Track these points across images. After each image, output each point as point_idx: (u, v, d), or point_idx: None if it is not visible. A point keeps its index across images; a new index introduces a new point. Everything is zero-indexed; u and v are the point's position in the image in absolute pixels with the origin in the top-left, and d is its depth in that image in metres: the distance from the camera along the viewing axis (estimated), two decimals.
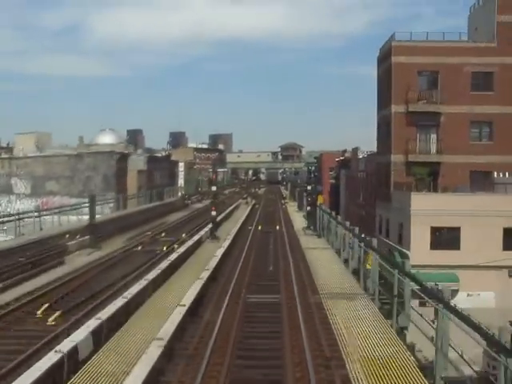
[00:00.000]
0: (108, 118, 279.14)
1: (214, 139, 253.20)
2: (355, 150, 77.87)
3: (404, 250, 46.59)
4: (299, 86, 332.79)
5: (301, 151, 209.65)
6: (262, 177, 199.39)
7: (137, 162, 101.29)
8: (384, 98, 59.88)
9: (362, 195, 72.34)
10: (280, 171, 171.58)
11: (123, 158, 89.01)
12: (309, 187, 53.20)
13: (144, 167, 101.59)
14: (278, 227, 45.36)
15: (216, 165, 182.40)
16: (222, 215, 51.01)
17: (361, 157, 74.55)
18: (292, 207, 68.42)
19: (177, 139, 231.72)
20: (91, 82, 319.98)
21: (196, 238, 34.89)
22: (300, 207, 62.41)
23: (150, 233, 39.47)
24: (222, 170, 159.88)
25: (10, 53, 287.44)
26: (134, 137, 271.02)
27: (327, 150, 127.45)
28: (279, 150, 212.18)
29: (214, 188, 47.73)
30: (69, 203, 73.78)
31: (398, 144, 56.02)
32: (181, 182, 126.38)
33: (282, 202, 77.34)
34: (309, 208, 45.84)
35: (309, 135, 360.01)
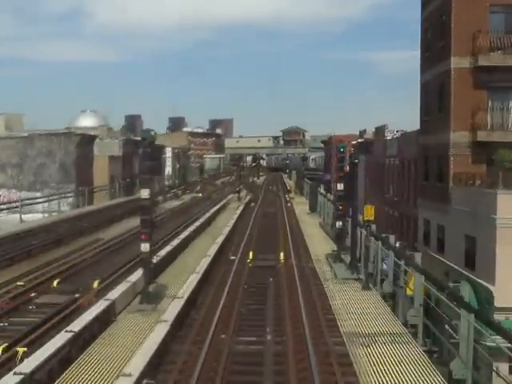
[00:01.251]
0: (106, 104, 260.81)
1: (214, 125, 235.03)
2: (381, 130, 58.01)
3: (482, 282, 27.67)
4: (301, 71, 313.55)
5: (304, 135, 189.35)
6: (263, 163, 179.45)
7: (109, 147, 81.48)
8: (435, 51, 39.95)
9: (393, 189, 52.72)
10: (282, 157, 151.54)
11: (87, 141, 69.04)
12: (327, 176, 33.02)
13: (119, 153, 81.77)
14: (283, 255, 25.40)
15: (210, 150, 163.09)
16: (193, 227, 31.14)
17: (390, 137, 54.82)
18: (300, 206, 48.68)
19: (176, 124, 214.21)
20: (91, 68, 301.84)
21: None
22: (312, 208, 42.63)
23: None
24: (216, 155, 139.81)
25: (10, 38, 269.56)
26: (133, 122, 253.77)
27: (333, 133, 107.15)
28: (281, 134, 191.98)
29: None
30: (18, 198, 56.50)
31: (460, 116, 36.27)
32: (168, 170, 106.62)
33: (286, 197, 57.53)
34: (339, 225, 25.82)
35: (312, 120, 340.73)
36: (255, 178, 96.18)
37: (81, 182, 63.49)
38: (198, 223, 31.52)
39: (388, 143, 54.50)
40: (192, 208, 44.62)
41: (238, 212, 39.59)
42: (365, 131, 69.13)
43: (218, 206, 43.31)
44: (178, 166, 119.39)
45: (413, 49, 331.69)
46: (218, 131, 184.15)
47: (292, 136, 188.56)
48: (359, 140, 69.04)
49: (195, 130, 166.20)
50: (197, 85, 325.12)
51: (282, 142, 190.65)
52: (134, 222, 36.94)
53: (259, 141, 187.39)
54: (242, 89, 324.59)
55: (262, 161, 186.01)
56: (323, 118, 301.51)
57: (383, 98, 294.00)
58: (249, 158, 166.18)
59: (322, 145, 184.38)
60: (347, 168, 40.93)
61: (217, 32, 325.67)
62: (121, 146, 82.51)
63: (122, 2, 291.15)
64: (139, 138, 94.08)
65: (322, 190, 60.20)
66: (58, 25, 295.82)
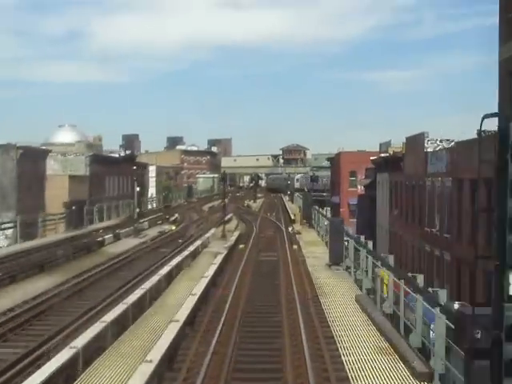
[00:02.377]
0: (105, 124, 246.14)
1: (213, 144, 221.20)
2: (417, 140, 41.32)
3: None
4: (301, 91, 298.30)
5: (305, 154, 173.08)
6: (262, 183, 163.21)
7: (72, 165, 65.26)
8: None
9: (441, 221, 36.22)
10: (283, 176, 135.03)
11: (34, 155, 52.68)
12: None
13: (85, 172, 65.41)
14: None
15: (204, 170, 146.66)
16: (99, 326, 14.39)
17: (432, 149, 38.36)
18: (312, 249, 32.12)
19: (174, 144, 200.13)
20: (90, 88, 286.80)
21: None
22: (335, 257, 25.94)
23: None
24: (210, 175, 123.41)
25: (10, 59, 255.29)
26: (131, 141, 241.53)
27: (341, 149, 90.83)
28: (281, 153, 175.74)
29: None
30: None
31: None
32: (152, 191, 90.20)
33: (290, 230, 41.03)
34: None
35: (313, 139, 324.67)
36: (251, 202, 79.60)
37: (25, 209, 47.31)
38: (116, 311, 15.04)
39: (431, 157, 38.10)
40: (141, 259, 28.29)
41: (214, 267, 22.99)
42: (389, 143, 52.74)
43: (186, 253, 26.76)
44: (164, 185, 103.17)
45: (413, 69, 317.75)
46: (213, 149, 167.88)
47: (292, 154, 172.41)
48: (382, 155, 52.64)
49: (189, 148, 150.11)
50: (196, 104, 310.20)
51: (281, 160, 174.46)
52: (44, 283, 20.79)
53: (258, 160, 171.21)
54: (242, 109, 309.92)
55: (260, 181, 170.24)
56: (324, 137, 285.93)
57: (385, 117, 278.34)
58: (246, 178, 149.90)
59: (324, 163, 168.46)
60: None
61: (217, 52, 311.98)
62: (87, 164, 66.28)
63: (123, 22, 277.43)
64: (112, 155, 77.45)
65: (327, 213, 44.07)
66: (58, 46, 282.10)
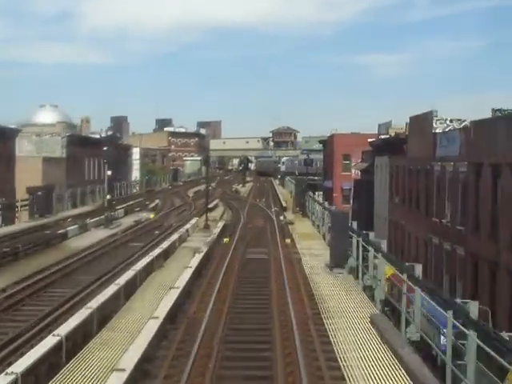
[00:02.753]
0: (94, 105, 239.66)
1: (202, 127, 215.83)
2: (423, 119, 36.44)
3: None
4: (292, 73, 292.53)
5: (296, 137, 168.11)
6: (252, 166, 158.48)
7: (47, 146, 60.33)
8: None
9: (453, 211, 31.56)
10: (273, 159, 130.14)
11: (2, 135, 47.69)
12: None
13: (61, 153, 60.53)
14: None
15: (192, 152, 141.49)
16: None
17: (441, 129, 33.64)
18: (307, 243, 27.45)
19: (163, 126, 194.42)
20: (78, 70, 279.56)
21: None
22: (338, 258, 21.19)
23: None
24: (197, 158, 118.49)
25: (2, 40, 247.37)
26: (119, 124, 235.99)
27: (335, 131, 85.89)
28: (271, 135, 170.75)
29: None
30: None
31: None
32: (136, 174, 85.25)
33: (282, 219, 36.34)
34: None
35: (304, 122, 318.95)
36: (239, 186, 74.83)
37: None
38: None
39: (441, 138, 33.40)
40: (105, 257, 23.50)
41: (190, 272, 18.30)
42: (389, 124, 48.00)
43: (158, 250, 22.01)
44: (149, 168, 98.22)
45: (404, 52, 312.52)
46: (202, 131, 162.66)
47: (283, 137, 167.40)
48: (382, 136, 47.95)
49: (177, 130, 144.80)
50: (185, 87, 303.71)
51: (271, 143, 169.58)
52: None
53: (247, 142, 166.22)
54: (232, 91, 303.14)
55: (250, 164, 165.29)
56: (315, 120, 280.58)
57: (376, 101, 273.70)
58: (235, 161, 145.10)
59: (315, 146, 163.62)
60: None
61: (207, 35, 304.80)
62: (64, 146, 61.34)
63: (113, 4, 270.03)
64: (96, 136, 72.33)
65: (319, 198, 39.58)
66: (47, 27, 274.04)
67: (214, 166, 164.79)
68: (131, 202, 47.28)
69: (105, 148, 73.49)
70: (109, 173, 34.00)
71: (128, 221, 35.46)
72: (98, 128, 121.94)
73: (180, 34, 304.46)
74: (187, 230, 28.88)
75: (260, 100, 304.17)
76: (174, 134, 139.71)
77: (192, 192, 62.27)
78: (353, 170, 78.20)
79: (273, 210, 41.51)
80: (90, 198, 53.86)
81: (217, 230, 29.43)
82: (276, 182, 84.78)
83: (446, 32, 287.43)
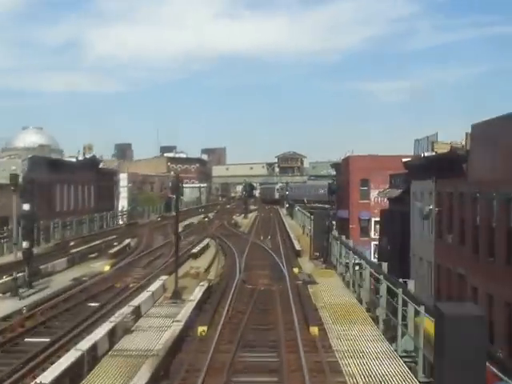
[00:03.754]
0: (99, 133, 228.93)
1: (207, 153, 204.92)
2: (503, 126, 24.23)
3: None
4: (298, 100, 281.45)
5: (302, 162, 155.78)
6: (257, 193, 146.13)
7: (4, 170, 48.11)
8: None
9: None
10: (280, 186, 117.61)
11: None
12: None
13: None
14: None
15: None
16: None
17: None
18: (355, 347, 14.26)
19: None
20: (87, 98, 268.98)
21: None
22: None
23: None
24: (196, 185, 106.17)
25: (12, 70, 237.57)
26: (123, 151, 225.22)
27: (351, 153, 73.65)
28: (276, 161, 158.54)
29: None
30: None
31: None
32: (123, 204, 72.79)
33: (297, 273, 23.66)
34: None
35: (310, 148, 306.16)
36: (241, 217, 62.30)
37: None
38: None
39: None
40: None
41: None
42: (435, 137, 35.39)
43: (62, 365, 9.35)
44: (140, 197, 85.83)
45: (406, 79, 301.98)
46: (203, 157, 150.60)
47: (289, 163, 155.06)
48: (426, 154, 35.24)
49: (177, 155, 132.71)
50: (190, 114, 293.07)
51: (277, 169, 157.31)
52: None
53: (251, 168, 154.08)
54: (237, 118, 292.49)
55: (254, 191, 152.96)
56: (321, 146, 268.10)
57: (380, 126, 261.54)
58: (238, 188, 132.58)
59: (323, 172, 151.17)
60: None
61: (212, 63, 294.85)
62: (25, 169, 49.07)
63: (121, 33, 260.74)
64: (72, 160, 59.69)
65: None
66: (55, 57, 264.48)
67: (217, 194, 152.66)
68: (95, 243, 34.72)
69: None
70: (25, 207, 21.35)
71: (65, 278, 22.85)
72: (104, 156, 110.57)
73: (186, 62, 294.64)
74: (138, 308, 16.26)
75: (265, 127, 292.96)
76: (173, 160, 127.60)
77: (182, 225, 49.68)
78: (372, 197, 65.88)
79: (283, 256, 28.81)
80: (53, 234, 41.44)
81: (191, 305, 16.82)
82: (283, 212, 72.08)
83: (451, 59, 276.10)
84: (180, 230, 45.46)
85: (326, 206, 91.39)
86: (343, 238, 27.36)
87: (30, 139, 76.43)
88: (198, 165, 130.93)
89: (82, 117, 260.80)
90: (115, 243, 34.79)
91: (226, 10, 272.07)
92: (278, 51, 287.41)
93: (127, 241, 34.73)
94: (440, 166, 33.05)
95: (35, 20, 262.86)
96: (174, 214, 64.25)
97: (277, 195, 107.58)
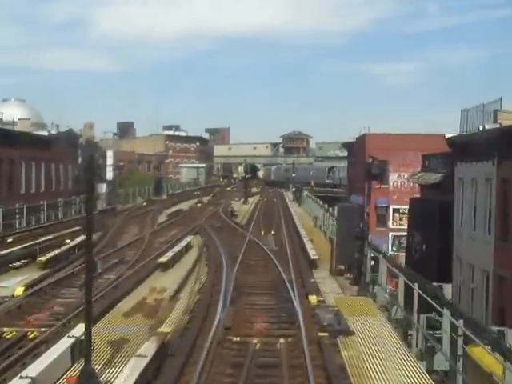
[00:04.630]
0: (102, 111, 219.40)
1: (211, 133, 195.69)
2: None
3: None
4: (302, 82, 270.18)
5: (308, 142, 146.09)
6: (260, 175, 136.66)
7: None
8: None
9: None
10: (285, 167, 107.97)
11: None
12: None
13: None
14: None
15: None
16: None
17: None
18: None
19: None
20: (91, 76, 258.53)
21: None
22: None
23: None
24: (192, 165, 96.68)
25: (17, 47, 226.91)
26: (125, 129, 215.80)
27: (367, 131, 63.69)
28: (281, 141, 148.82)
29: None
30: None
31: None
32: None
33: (313, 303, 14.27)
34: None
35: (316, 129, 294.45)
36: (241, 201, 52.87)
37: None
38: None
39: None
40: None
41: None
42: (497, 104, 25.86)
43: None
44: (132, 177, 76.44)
45: (413, 60, 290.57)
46: (206, 136, 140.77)
47: (294, 143, 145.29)
48: (487, 126, 25.67)
49: (176, 133, 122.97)
50: (194, 94, 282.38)
51: (281, 149, 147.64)
52: None
53: (255, 148, 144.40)
54: (242, 99, 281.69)
55: (258, 172, 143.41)
56: (327, 128, 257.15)
57: (386, 108, 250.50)
58: (241, 169, 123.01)
59: (330, 153, 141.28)
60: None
61: (217, 43, 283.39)
62: None
63: (125, 12, 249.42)
64: (44, 133, 50.17)
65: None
66: (58, 34, 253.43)
67: (218, 174, 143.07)
68: (44, 238, 25.48)
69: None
70: None
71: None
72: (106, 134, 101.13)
73: (189, 42, 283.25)
74: None
75: (270, 108, 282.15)
76: (172, 138, 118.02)
77: (167, 213, 40.30)
78: (391, 181, 56.48)
79: (291, 268, 19.36)
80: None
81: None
82: (289, 197, 62.66)
83: (458, 41, 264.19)
84: (162, 219, 36.14)
85: (334, 189, 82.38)
86: (384, 248, 17.95)
87: (11, 112, 67.35)
88: (197, 143, 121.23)
89: (85, 95, 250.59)
90: (68, 240, 25.43)
91: None
92: (283, 31, 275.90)
93: (78, 239, 25.36)
94: (506, 143, 23.56)
95: None
96: (164, 197, 54.78)
97: (282, 177, 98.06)
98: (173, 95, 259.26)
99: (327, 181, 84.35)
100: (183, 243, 23.86)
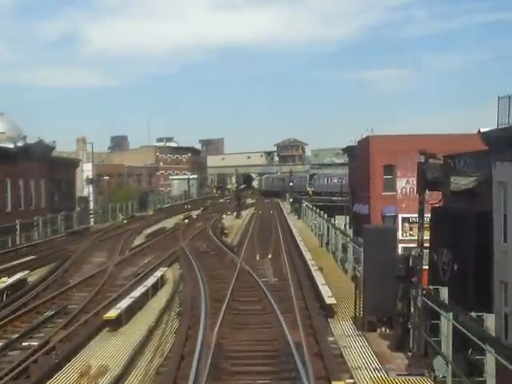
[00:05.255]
0: (95, 127, 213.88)
1: (205, 144, 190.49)
2: None
3: None
4: (295, 90, 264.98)
5: (304, 150, 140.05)
6: (255, 185, 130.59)
7: None
8: None
9: None
10: (281, 176, 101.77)
11: None
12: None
13: None
14: None
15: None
16: None
17: None
18: None
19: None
20: (85, 92, 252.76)
21: None
22: None
23: None
24: (182, 177, 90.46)
25: (7, 65, 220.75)
26: (119, 143, 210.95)
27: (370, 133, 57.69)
28: (275, 149, 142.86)
29: None
30: None
31: None
32: (90, 201, 56.85)
33: None
34: None
35: (311, 137, 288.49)
36: (234, 215, 46.60)
37: None
38: None
39: None
40: None
41: None
42: None
43: None
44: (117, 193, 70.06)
45: (401, 67, 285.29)
46: (198, 147, 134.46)
47: (289, 151, 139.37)
48: None
49: (167, 144, 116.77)
50: (188, 107, 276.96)
51: (276, 158, 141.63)
52: None
53: (249, 157, 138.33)
54: (236, 110, 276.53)
55: (252, 182, 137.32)
56: (322, 135, 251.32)
57: (378, 114, 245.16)
58: (235, 179, 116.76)
59: (326, 160, 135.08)
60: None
61: (209, 55, 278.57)
62: None
63: (118, 27, 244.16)
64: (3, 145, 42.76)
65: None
66: (52, 51, 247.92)
67: (212, 186, 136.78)
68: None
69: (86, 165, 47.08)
70: None
71: None
72: (98, 148, 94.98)
73: (182, 55, 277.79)
74: None
75: (264, 117, 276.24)
76: (162, 150, 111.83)
77: (146, 234, 33.95)
78: (399, 188, 50.35)
79: (298, 320, 13.06)
80: None
81: None
82: (287, 208, 56.38)
83: (448, 47, 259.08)
84: (139, 241, 29.90)
85: (333, 198, 76.15)
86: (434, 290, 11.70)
87: None
88: (189, 154, 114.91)
89: (79, 111, 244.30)
90: (5, 278, 19.10)
91: (223, 1, 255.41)
92: (275, 41, 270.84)
93: (21, 274, 19.04)
94: None
95: (31, 14, 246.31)
96: (150, 212, 48.48)
97: (279, 187, 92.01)
98: (166, 108, 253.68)
99: (308, 189, 79.17)
100: (150, 280, 17.55)
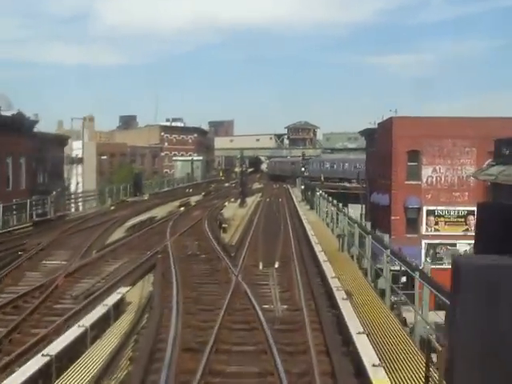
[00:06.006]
0: (104, 105, 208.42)
1: (214, 127, 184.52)
2: None
3: None
4: (306, 73, 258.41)
5: (315, 133, 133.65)
6: (264, 168, 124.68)
7: None
8: None
9: None
10: (291, 160, 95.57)
11: None
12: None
13: None
14: None
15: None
16: None
17: None
18: None
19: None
20: (97, 70, 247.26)
21: None
22: None
23: None
24: (186, 158, 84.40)
25: (17, 41, 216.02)
26: (128, 122, 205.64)
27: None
28: (285, 132, 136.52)
29: None
30: None
31: None
32: (79, 182, 51.18)
33: None
34: None
35: (323, 120, 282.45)
36: (237, 203, 40.70)
37: None
38: None
39: None
40: None
41: None
42: None
43: None
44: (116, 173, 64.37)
45: (419, 53, 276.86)
46: (205, 127, 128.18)
47: (300, 134, 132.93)
48: None
49: (172, 124, 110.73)
50: (198, 87, 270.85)
51: (286, 141, 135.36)
52: None
53: (258, 140, 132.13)
54: (247, 91, 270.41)
55: (262, 165, 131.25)
56: (334, 119, 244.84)
57: (389, 99, 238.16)
58: (246, 162, 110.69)
59: (338, 145, 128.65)
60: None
61: (221, 35, 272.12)
62: None
63: (130, 4, 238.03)
64: None
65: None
66: (62, 28, 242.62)
67: (219, 168, 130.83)
68: None
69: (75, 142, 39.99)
70: None
71: None
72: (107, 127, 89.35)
73: (194, 35, 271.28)
74: None
75: (276, 100, 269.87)
76: (167, 129, 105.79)
77: (127, 227, 27.99)
78: (424, 177, 44.37)
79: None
80: None
81: None
82: (297, 196, 50.37)
83: (463, 32, 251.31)
84: (116, 237, 23.97)
85: (347, 184, 70.12)
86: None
87: None
88: (196, 135, 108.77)
89: (89, 88, 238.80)
90: None
91: None
92: (290, 24, 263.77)
93: None
94: None
95: None
96: (145, 197, 42.59)
97: (289, 171, 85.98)
98: (177, 88, 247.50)
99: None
100: (96, 313, 11.60)
